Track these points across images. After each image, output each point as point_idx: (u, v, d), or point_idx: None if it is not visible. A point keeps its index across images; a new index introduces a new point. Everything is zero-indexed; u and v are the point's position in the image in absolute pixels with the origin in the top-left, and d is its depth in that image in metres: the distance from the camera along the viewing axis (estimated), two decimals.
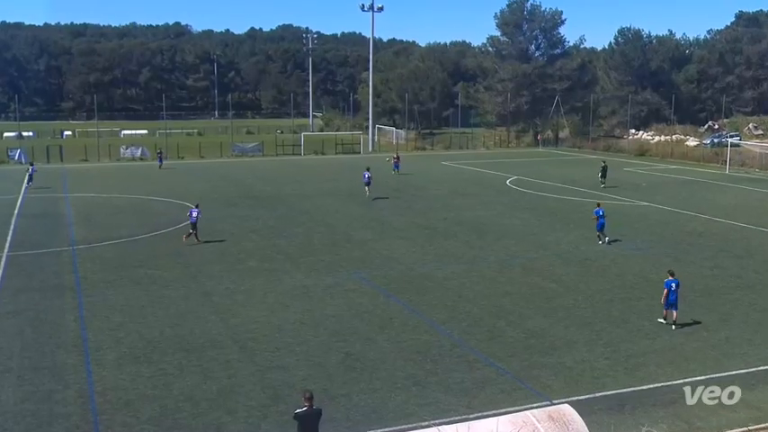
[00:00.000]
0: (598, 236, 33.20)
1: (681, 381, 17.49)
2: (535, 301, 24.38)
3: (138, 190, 50.53)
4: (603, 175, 52.45)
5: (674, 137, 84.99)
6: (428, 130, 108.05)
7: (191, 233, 32.71)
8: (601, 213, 33.21)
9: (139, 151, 75.12)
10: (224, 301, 24.25)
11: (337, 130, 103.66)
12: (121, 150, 74.30)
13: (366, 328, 21.63)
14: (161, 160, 66.76)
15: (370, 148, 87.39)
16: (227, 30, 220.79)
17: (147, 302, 23.99)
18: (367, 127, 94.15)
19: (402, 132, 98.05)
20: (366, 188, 46.86)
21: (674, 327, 21.33)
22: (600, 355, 19.43)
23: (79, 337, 20.69)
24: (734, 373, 18.15)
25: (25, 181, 52.73)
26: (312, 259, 30.07)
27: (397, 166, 60.22)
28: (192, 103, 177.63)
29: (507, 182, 55.68)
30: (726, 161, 64.47)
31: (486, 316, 22.77)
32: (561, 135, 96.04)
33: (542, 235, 35.22)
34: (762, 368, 18.55)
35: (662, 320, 21.73)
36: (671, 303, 21.49)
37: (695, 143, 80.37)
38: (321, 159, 75.94)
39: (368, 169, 48.13)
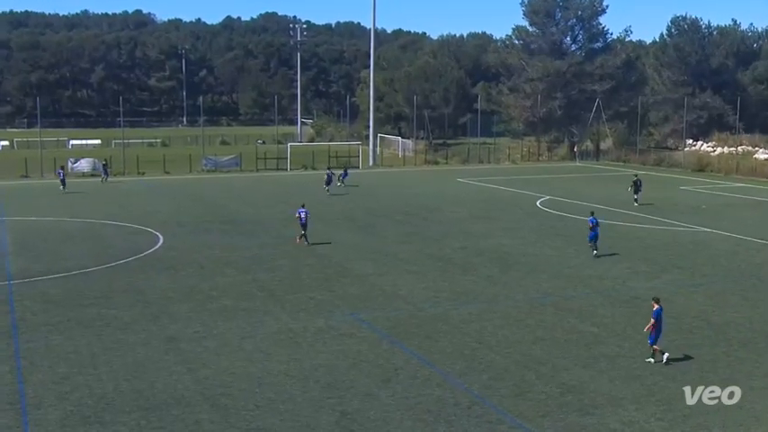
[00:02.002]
0: (590, 247, 37.20)
1: None
2: (572, 348, 24.30)
3: (89, 212, 50.66)
4: (636, 191, 54.04)
5: (740, 148, 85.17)
6: (441, 141, 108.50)
7: (302, 234, 39.20)
8: (594, 222, 37.24)
9: (91, 165, 75.45)
10: (192, 348, 24.19)
11: (331, 140, 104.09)
12: (69, 164, 74.65)
13: (366, 381, 21.56)
14: (106, 173, 69.88)
15: (371, 162, 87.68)
16: (199, 19, 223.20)
17: (100, 350, 23.92)
18: (367, 136, 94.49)
19: (409, 143, 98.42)
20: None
21: (653, 360, 22.75)
22: (652, 415, 19.33)
23: (16, 392, 20.62)
24: None
25: None
26: (300, 297, 30.04)
27: (345, 175, 65.94)
28: (156, 108, 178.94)
29: (537, 203, 55.76)
30: None
31: (512, 366, 22.69)
32: (603, 146, 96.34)
33: (581, 268, 35.20)
34: None
35: (660, 358, 22.70)
36: (655, 337, 22.79)
37: (766, 156, 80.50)
38: (311, 176, 75.95)
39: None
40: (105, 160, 72.31)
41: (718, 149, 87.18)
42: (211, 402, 20.07)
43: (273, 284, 32.06)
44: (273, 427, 18.64)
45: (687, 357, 23.35)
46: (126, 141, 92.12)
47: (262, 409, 19.61)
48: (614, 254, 37.86)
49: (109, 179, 69.20)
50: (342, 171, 67.92)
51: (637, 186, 54.30)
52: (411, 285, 31.96)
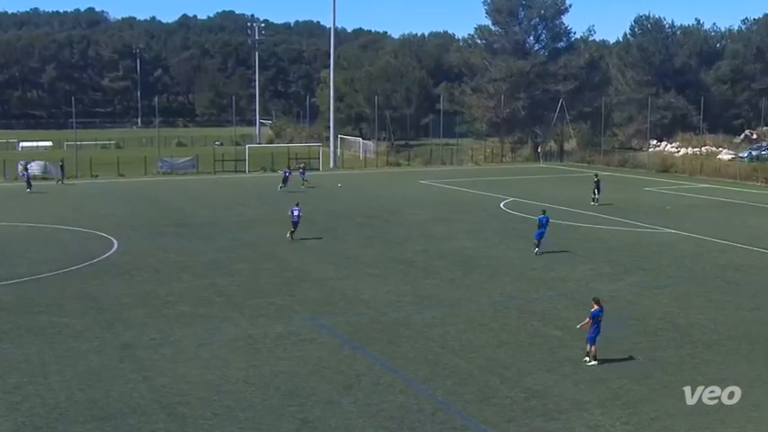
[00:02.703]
0: (535, 244, 38.18)
1: None
2: (536, 352, 24.43)
3: (41, 216, 50.05)
4: (596, 191, 55.18)
5: (703, 149, 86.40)
6: (403, 142, 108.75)
7: (292, 232, 41.54)
8: (545, 221, 38.42)
9: (41, 168, 74.55)
10: (148, 355, 23.97)
11: (290, 142, 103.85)
12: (18, 167, 73.60)
13: (327, 387, 21.50)
14: (62, 175, 69.69)
15: (332, 164, 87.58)
16: (153, 18, 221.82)
17: (52, 358, 23.63)
18: (327, 138, 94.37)
19: (371, 144, 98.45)
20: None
21: (595, 363, 22.94)
22: (617, 419, 19.49)
23: None
24: None
25: None
26: (259, 302, 29.91)
27: (303, 175, 67.48)
28: (109, 109, 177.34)
29: (501, 205, 56.05)
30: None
31: (476, 371, 22.76)
32: (567, 147, 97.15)
33: (544, 270, 35.42)
34: None
35: (593, 361, 23.00)
36: (595, 337, 23.00)
37: (730, 156, 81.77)
38: (271, 178, 75.73)
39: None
40: (62, 161, 71.61)
41: (683, 150, 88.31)
42: (168, 411, 19.90)
43: (232, 289, 31.89)
44: None
45: (653, 360, 23.58)
46: (79, 143, 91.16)
47: (220, 418, 19.48)
48: (577, 256, 38.19)
49: (64, 181, 68.53)
50: (300, 171, 68.74)
51: (597, 186, 55.25)
52: (373, 289, 31.95)
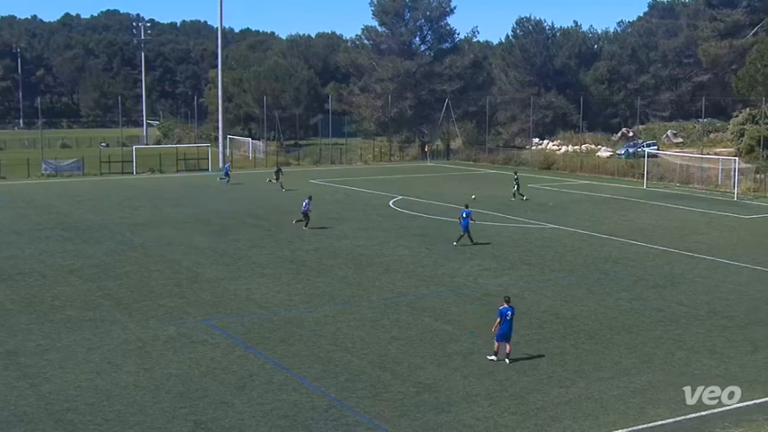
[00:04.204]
0: (462, 236, 40.00)
1: None
2: (427, 347, 24.71)
3: None
4: (518, 188, 57.81)
5: (583, 146, 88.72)
6: (293, 141, 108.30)
7: (300, 220, 45.19)
8: (465, 214, 40.29)
9: None
10: (34, 362, 23.26)
11: (178, 142, 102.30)
12: None
13: (219, 388, 21.29)
14: None
15: (221, 164, 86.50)
16: (34, 16, 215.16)
17: None
18: (216, 138, 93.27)
19: (260, 144, 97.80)
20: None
21: (507, 361, 22.92)
22: (505, 410, 19.88)
23: None
24: (660, 423, 18.99)
25: None
26: (149, 305, 29.37)
27: (227, 174, 70.24)
28: None
29: (390, 203, 56.44)
30: (643, 174, 67.89)
31: (368, 368, 22.89)
32: (453, 146, 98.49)
33: (434, 267, 35.86)
34: (690, 416, 19.48)
35: (493, 357, 23.18)
36: (503, 335, 23.04)
37: (608, 154, 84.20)
38: (159, 179, 74.48)
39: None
40: None
41: (564, 148, 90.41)
42: (56, 418, 19.36)
43: (121, 292, 31.22)
44: None
45: (538, 351, 24.14)
46: None
47: (110, 423, 19.06)
48: (465, 252, 38.79)
49: None
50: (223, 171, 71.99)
51: (517, 183, 57.87)
52: (265, 289, 31.77)
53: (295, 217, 46.18)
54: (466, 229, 40.21)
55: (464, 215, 40.44)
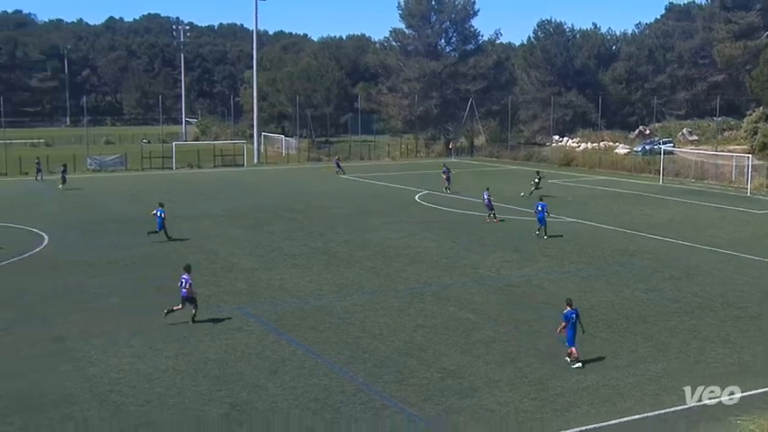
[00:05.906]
0: (540, 229, 39.98)
1: (616, 421, 18.09)
2: (451, 335, 24.67)
3: None
4: (537, 186, 55.16)
5: (602, 144, 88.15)
6: (324, 139, 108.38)
7: (491, 214, 44.69)
8: (540, 207, 40.09)
9: None
10: (79, 346, 23.47)
11: (215, 139, 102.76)
12: None
13: (254, 373, 21.37)
14: (39, 172, 68.67)
15: (256, 160, 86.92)
16: (80, 20, 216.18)
17: None
18: (251, 135, 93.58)
19: (293, 141, 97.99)
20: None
21: (580, 365, 21.57)
22: (525, 395, 19.81)
23: None
24: (674, 409, 18.84)
25: None
26: None
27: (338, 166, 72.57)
28: (38, 108, 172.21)
29: (416, 197, 56.36)
30: (659, 171, 67.32)
31: (394, 354, 22.88)
32: (477, 143, 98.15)
33: (458, 258, 35.77)
34: (703, 403, 19.31)
35: (579, 365, 21.62)
36: (572, 338, 21.70)
37: (625, 151, 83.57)
38: (197, 174, 74.85)
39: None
40: (38, 158, 70.36)
41: (583, 145, 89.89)
42: (100, 399, 19.53)
43: (162, 281, 31.36)
44: (163, 422, 18.30)
45: (558, 341, 23.98)
46: (7, 142, 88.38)
47: (151, 404, 19.20)
48: (488, 245, 38.66)
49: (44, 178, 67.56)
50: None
51: (538, 182, 55.58)
52: (296, 279, 31.84)
53: (485, 215, 45.24)
54: (542, 221, 40.06)
55: (539, 208, 40.36)
